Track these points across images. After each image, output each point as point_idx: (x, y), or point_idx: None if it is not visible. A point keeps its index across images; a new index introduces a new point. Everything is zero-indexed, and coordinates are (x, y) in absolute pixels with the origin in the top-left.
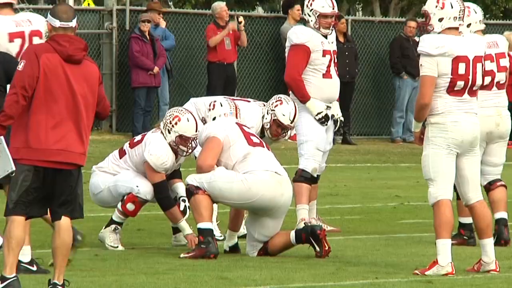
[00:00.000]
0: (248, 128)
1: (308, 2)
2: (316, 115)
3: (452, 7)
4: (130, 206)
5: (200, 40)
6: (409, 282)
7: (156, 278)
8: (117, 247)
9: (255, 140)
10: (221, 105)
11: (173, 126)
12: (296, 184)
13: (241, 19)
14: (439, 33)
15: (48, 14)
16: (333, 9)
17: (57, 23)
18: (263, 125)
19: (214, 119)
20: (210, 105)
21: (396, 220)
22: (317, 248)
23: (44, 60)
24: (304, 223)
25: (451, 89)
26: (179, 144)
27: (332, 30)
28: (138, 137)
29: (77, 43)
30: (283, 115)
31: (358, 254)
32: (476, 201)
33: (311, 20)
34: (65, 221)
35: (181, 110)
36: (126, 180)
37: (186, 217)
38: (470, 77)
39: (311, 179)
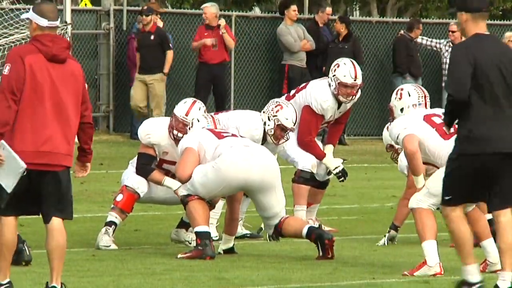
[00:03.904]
0: (225, 131)
1: (333, 67)
2: (334, 169)
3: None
4: (118, 197)
5: None
6: (406, 282)
7: (153, 278)
8: (109, 246)
9: (225, 134)
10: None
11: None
12: (295, 185)
13: (221, 22)
14: None
15: (32, 13)
16: (355, 80)
17: (45, 22)
18: (265, 132)
19: None
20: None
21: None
22: (321, 253)
23: (29, 61)
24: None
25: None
26: (174, 128)
27: (351, 100)
28: None
29: (61, 42)
30: (286, 119)
31: (355, 255)
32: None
33: (332, 86)
34: (57, 223)
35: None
36: (124, 173)
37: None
38: None
39: (312, 180)
